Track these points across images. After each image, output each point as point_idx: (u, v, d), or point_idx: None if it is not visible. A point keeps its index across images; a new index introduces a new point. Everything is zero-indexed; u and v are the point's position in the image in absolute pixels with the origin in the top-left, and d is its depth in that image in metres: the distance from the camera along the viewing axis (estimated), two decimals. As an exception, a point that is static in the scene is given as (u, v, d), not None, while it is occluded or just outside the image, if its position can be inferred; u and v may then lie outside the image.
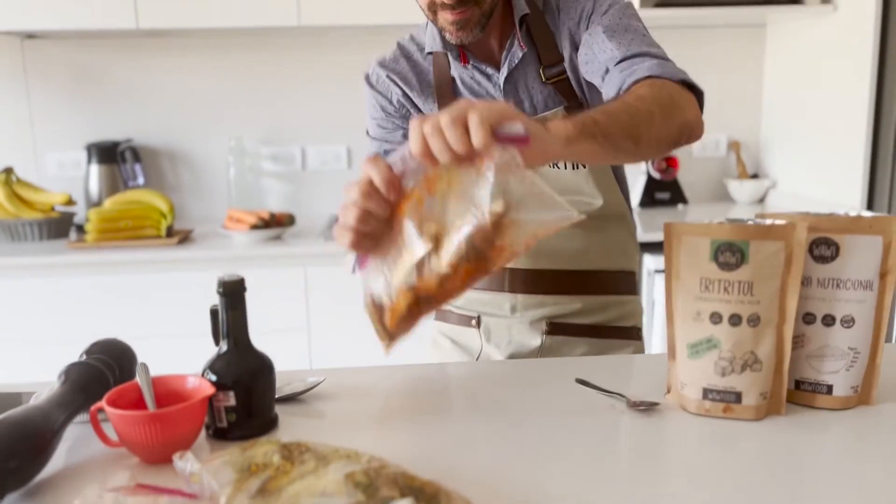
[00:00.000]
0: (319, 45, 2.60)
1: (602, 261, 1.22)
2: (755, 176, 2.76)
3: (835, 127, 2.36)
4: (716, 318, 0.86)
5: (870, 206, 2.28)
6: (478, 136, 0.73)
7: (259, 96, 2.64)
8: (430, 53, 1.18)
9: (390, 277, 0.85)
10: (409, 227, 0.83)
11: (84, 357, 0.89)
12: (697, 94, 1.02)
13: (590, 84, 1.14)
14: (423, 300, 0.84)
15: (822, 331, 0.89)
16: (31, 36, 2.51)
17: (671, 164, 2.63)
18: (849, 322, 0.88)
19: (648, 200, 2.65)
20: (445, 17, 1.08)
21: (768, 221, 0.86)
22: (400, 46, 1.23)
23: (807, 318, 0.89)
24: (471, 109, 0.73)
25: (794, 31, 2.57)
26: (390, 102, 1.21)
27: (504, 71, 1.15)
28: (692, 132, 1.00)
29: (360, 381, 1.01)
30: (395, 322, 0.87)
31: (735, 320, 0.85)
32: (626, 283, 1.26)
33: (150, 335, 2.16)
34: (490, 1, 1.09)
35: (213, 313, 0.85)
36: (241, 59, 2.61)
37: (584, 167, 1.18)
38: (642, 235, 2.29)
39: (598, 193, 1.18)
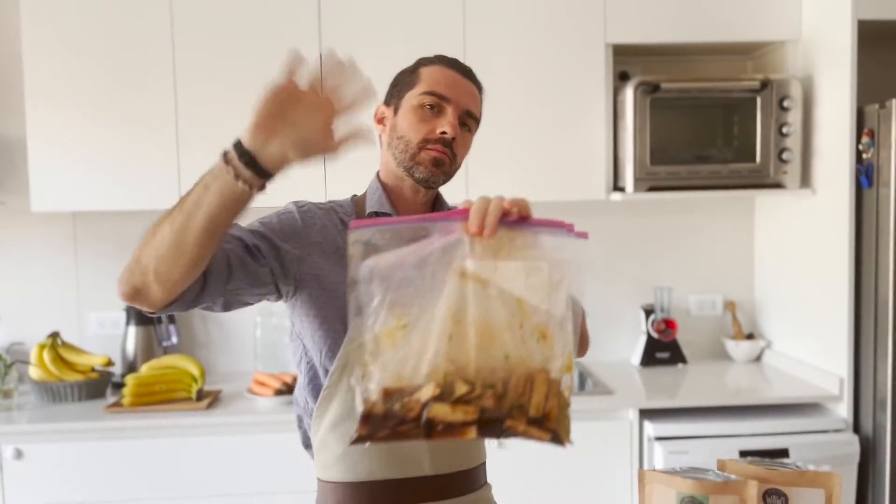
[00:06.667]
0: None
1: (462, 461, 1.31)
2: (751, 336, 2.92)
3: (819, 296, 2.53)
4: (682, 563, 1.00)
5: (856, 374, 2.41)
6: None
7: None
8: (371, 213, 1.30)
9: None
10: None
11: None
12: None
13: None
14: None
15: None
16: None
17: (670, 325, 2.80)
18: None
19: (649, 360, 2.80)
20: (429, 153, 1.25)
21: (725, 476, 1.02)
22: (332, 208, 1.34)
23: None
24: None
25: (779, 207, 2.79)
26: (302, 231, 1.29)
27: None
28: (585, 346, 1.35)
29: None
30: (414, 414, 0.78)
31: (698, 567, 0.99)
32: (483, 474, 1.37)
33: (176, 497, 2.29)
34: (456, 167, 1.30)
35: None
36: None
37: None
38: (642, 402, 2.43)
39: None
